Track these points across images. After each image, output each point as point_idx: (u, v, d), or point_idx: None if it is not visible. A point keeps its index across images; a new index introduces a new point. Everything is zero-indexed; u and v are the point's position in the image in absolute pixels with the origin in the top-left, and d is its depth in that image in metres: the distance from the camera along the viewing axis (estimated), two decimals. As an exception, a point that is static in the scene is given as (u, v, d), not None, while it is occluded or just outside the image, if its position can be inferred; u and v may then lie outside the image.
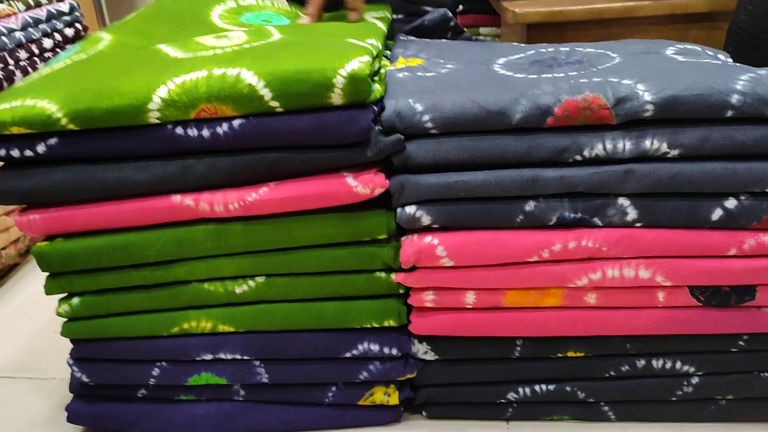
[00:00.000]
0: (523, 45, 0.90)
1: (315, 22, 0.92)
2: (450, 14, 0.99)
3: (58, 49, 1.40)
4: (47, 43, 1.36)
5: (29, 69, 1.31)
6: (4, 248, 1.16)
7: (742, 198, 0.67)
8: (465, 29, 1.00)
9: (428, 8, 1.72)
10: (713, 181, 0.67)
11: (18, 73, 1.27)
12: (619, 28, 1.13)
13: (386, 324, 0.75)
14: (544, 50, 0.84)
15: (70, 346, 0.80)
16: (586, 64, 0.76)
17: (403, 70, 0.77)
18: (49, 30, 1.37)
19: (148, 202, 0.71)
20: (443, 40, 0.94)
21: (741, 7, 1.01)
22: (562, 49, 0.84)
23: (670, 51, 0.79)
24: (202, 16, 0.91)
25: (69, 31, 1.43)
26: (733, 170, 0.66)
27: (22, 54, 1.29)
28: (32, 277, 1.22)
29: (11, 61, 1.27)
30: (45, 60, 1.36)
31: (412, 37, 0.95)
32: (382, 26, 0.89)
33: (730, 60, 0.80)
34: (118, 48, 0.78)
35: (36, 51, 1.33)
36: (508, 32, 1.27)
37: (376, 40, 0.79)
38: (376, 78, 0.75)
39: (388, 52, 0.90)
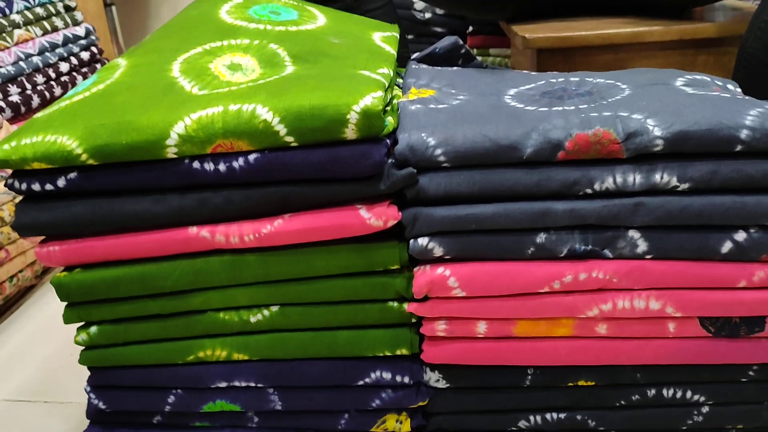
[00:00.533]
0: (533, 74, 0.91)
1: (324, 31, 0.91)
2: (461, 42, 1.00)
3: (74, 73, 1.43)
4: (63, 67, 1.39)
5: (46, 93, 1.33)
6: (20, 271, 1.18)
7: (752, 231, 0.68)
8: (475, 55, 1.01)
9: (438, 29, 1.74)
10: (722, 214, 0.67)
11: (35, 97, 1.30)
12: (628, 53, 1.14)
13: (399, 353, 0.76)
14: (554, 80, 0.85)
15: (87, 370, 0.81)
16: (596, 96, 0.77)
17: (415, 102, 0.79)
18: (65, 54, 1.39)
19: (165, 234, 0.73)
20: (455, 68, 0.95)
21: (751, 32, 1.01)
22: (572, 79, 0.85)
23: (679, 82, 0.80)
24: (210, 15, 0.90)
25: (85, 55, 1.45)
26: (742, 203, 0.67)
27: (39, 78, 1.32)
28: (48, 299, 1.24)
29: (29, 86, 1.29)
30: (61, 84, 1.38)
31: (424, 65, 0.97)
32: (392, 51, 0.90)
33: (739, 90, 0.81)
34: (133, 74, 0.79)
35: (53, 75, 1.36)
36: (518, 56, 1.28)
37: (387, 68, 0.80)
38: (388, 108, 0.76)
39: (400, 81, 0.91)
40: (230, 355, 0.78)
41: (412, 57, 0.99)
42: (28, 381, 1.01)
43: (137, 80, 0.77)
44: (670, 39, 1.12)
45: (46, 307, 1.21)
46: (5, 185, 0.74)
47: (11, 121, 1.26)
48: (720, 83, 0.82)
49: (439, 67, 0.95)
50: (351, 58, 0.81)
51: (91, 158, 0.70)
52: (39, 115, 0.75)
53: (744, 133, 0.65)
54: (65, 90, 1.39)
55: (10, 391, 0.99)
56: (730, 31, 1.11)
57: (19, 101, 1.26)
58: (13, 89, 1.26)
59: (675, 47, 1.13)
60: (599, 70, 0.91)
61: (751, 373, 0.74)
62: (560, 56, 1.15)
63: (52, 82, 1.35)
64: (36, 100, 1.30)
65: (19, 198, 0.73)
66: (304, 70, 0.79)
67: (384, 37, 0.93)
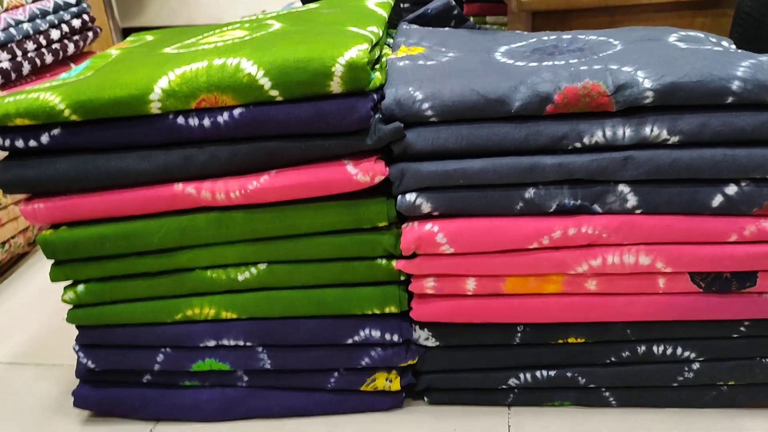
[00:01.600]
0: (526, 33, 0.90)
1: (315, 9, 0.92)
2: (453, 2, 0.98)
3: (65, 40, 1.41)
4: (54, 34, 1.37)
5: (37, 60, 1.32)
6: (12, 237, 1.18)
7: (743, 184, 0.67)
8: (470, 18, 1.00)
9: (435, -4, 1.71)
10: (713, 167, 0.66)
11: (26, 64, 1.28)
12: (625, 15, 1.12)
13: (387, 310, 0.76)
14: (546, 38, 0.84)
15: (78, 332, 0.81)
16: (588, 52, 0.76)
17: (404, 59, 0.78)
18: (56, 21, 1.38)
19: (151, 190, 0.72)
20: (446, 29, 0.94)
21: (746, -8, 1.00)
22: (564, 36, 0.83)
23: (672, 38, 0.78)
24: (210, 27, 0.92)
25: (76, 23, 1.43)
26: (732, 156, 0.66)
27: (30, 45, 1.30)
28: (41, 266, 1.23)
29: (19, 53, 1.28)
30: (52, 51, 1.37)
31: (415, 26, 0.95)
32: (383, 13, 0.89)
33: (733, 46, 0.80)
34: (125, 56, 0.80)
35: (43, 42, 1.34)
36: (514, 20, 1.27)
37: (377, 27, 0.79)
38: (377, 66, 0.75)
39: (391, 40, 0.90)
40: (218, 313, 0.77)
41: (403, 19, 0.98)
42: (19, 344, 1.01)
43: (128, 57, 0.77)
44: (667, 0, 1.10)
45: (39, 273, 1.21)
46: (-11, 142, 0.73)
47: (2, 87, 1.25)
48: (714, 39, 0.81)
49: (431, 28, 0.94)
50: (340, 20, 0.80)
51: (74, 114, 0.69)
52: (29, 88, 0.75)
53: (735, 85, 0.64)
54: (56, 57, 1.37)
55: (1, 354, 0.99)
56: (726, -9, 1.10)
57: (9, 68, 1.25)
58: (3, 56, 1.24)
59: (672, 9, 1.12)
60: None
61: (742, 329, 0.74)
62: (555, 19, 1.13)
63: (43, 50, 1.34)
64: (27, 67, 1.29)
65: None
66: (291, 27, 0.78)
67: (378, 2, 0.92)
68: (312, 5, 0.94)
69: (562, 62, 0.73)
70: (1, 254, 1.16)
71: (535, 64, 0.73)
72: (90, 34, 1.50)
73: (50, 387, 0.91)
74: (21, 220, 1.19)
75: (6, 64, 1.25)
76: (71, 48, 1.42)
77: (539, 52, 0.78)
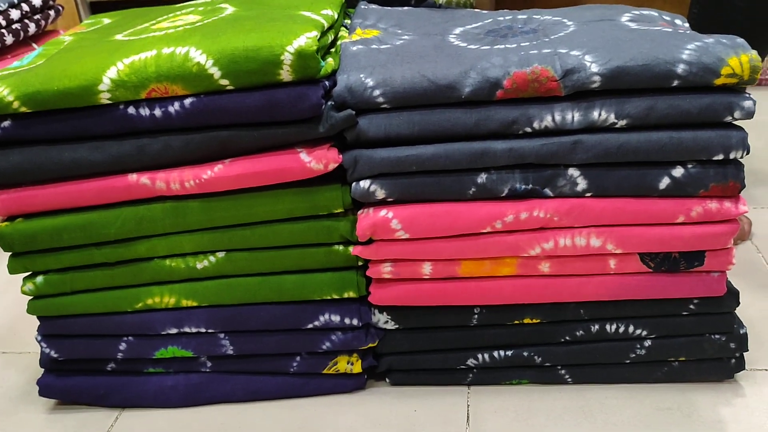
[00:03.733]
0: (483, 12, 0.90)
1: None
2: (413, -20, 0.98)
3: (26, 20, 1.39)
4: (14, 14, 1.35)
5: (-4, 42, 1.29)
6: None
7: (689, 166, 0.68)
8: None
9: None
10: (659, 150, 0.67)
11: (-14, 46, 1.26)
12: (587, -9, 1.12)
13: (346, 295, 0.77)
14: (501, 18, 0.84)
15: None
16: (540, 34, 0.76)
17: (357, 43, 0.77)
18: (15, 1, 1.35)
19: (106, 181, 0.72)
20: (404, 8, 0.93)
21: (705, -33, 1.00)
22: (519, 17, 0.83)
23: (625, 18, 0.79)
24: (166, 9, 0.90)
25: (36, 1, 1.41)
26: (678, 139, 0.67)
27: (-11, 26, 1.28)
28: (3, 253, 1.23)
29: (-22, 34, 1.26)
30: (13, 32, 1.35)
31: (374, 6, 0.95)
32: (340, -5, 0.88)
33: (686, 25, 0.81)
34: (77, 43, 0.79)
35: (3, 23, 1.32)
36: (477, -4, 1.26)
37: (331, 10, 0.79)
38: (331, 50, 0.75)
39: (348, 21, 0.90)
40: (179, 301, 0.78)
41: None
42: (-14, 333, 1.01)
43: (79, 45, 0.77)
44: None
45: (2, 260, 1.20)
46: (-61, 135, 0.73)
47: (-40, 71, 1.23)
48: (668, 18, 0.81)
49: (389, 7, 0.94)
50: (294, 4, 0.79)
51: (23, 106, 0.68)
52: None
53: (680, 68, 0.65)
54: (17, 38, 1.35)
55: (-33, 342, 0.99)
56: (688, -34, 1.10)
57: (-32, 50, 1.23)
58: (-39, 38, 1.23)
59: (633, -16, 1.12)
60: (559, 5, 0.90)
61: (691, 306, 0.76)
62: (518, -5, 1.13)
63: (3, 30, 1.31)
64: (-13, 49, 1.27)
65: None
66: (243, 12, 0.77)
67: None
68: None
69: (514, 45, 0.73)
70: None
71: (487, 47, 0.74)
72: (52, 12, 1.47)
73: (17, 376, 0.91)
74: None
75: (-36, 47, 1.23)
76: (32, 28, 1.40)
77: (493, 34, 0.78)
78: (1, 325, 1.02)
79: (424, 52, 0.74)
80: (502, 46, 0.73)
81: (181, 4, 0.92)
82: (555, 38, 0.73)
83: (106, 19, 0.95)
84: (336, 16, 0.80)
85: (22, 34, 1.37)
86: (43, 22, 1.44)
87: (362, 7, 0.93)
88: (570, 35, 0.74)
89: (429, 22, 0.87)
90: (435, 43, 0.77)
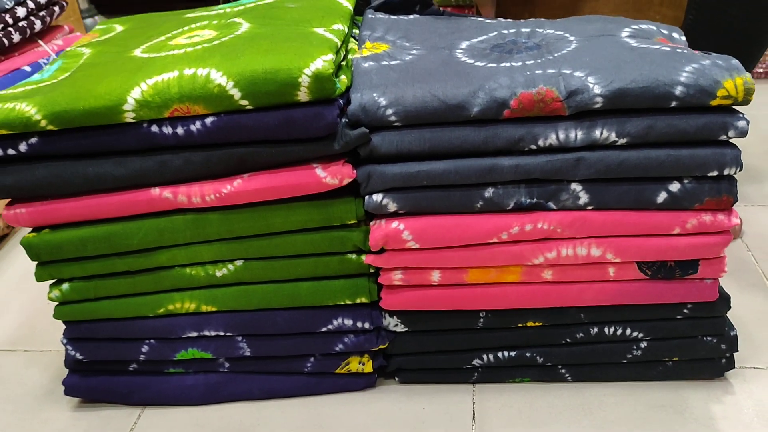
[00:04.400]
0: (488, 23, 0.93)
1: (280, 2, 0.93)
2: (418, -12, 1.00)
3: (32, 17, 1.40)
4: (21, 11, 1.36)
5: (5, 40, 1.31)
6: (-8, 222, 1.20)
7: (685, 181, 0.72)
8: (433, 2, 1.02)
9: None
10: (658, 167, 0.71)
11: (-6, 45, 1.28)
12: (586, -6, 1.15)
13: (358, 301, 0.81)
14: (506, 31, 0.87)
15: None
16: (544, 50, 0.79)
17: (368, 59, 0.80)
18: (21, -1, 1.37)
19: (129, 195, 0.75)
20: (411, 17, 0.96)
21: (702, -26, 1.03)
22: (523, 30, 0.86)
23: (624, 33, 0.82)
24: (175, 16, 0.93)
25: (42, -2, 1.42)
26: (676, 156, 0.71)
27: (-4, 25, 1.30)
28: (21, 249, 1.26)
29: (-15, 33, 1.27)
30: (20, 30, 1.36)
31: (381, 14, 0.97)
32: (348, 5, 0.91)
33: (683, 39, 0.84)
34: (97, 57, 0.82)
35: (10, 21, 1.33)
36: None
37: (342, 24, 0.82)
38: (343, 64, 0.78)
39: (356, 31, 0.92)
40: (199, 307, 0.82)
41: (369, 6, 1.00)
42: (7, 330, 1.04)
43: (99, 60, 0.79)
44: (627, -21, 1.13)
45: (21, 255, 1.24)
46: (-32, 151, 0.75)
47: (-29, 71, 1.25)
48: (665, 31, 0.85)
49: (396, 17, 0.96)
50: (306, 18, 0.82)
51: (50, 124, 0.71)
52: (3, 92, 0.77)
53: (679, 90, 0.69)
54: (23, 35, 1.37)
55: (-10, 341, 1.03)
56: (685, -30, 1.13)
57: (-23, 49, 1.25)
58: (-29, 38, 1.24)
59: (631, -13, 1.15)
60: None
61: (685, 311, 0.80)
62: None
63: (10, 29, 1.33)
64: (-5, 48, 1.29)
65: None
66: (258, 29, 0.80)
67: (343, -7, 0.94)
68: None
69: (519, 63, 0.76)
70: (-19, 239, 1.18)
71: (493, 65, 0.77)
72: (56, 8, 1.48)
73: (40, 374, 0.95)
74: (1, 204, 1.21)
75: (-26, 48, 1.24)
76: (38, 24, 1.41)
77: (498, 49, 0.81)
78: (21, 324, 1.06)
79: (433, 69, 0.77)
80: (508, 64, 0.76)
81: (193, 14, 0.95)
82: (559, 56, 0.77)
83: (118, 26, 0.97)
84: (346, 30, 0.83)
85: (28, 31, 1.38)
86: (48, 19, 1.45)
87: (369, 16, 0.96)
88: (573, 53, 0.77)
89: (435, 33, 0.90)
90: (443, 59, 0.80)
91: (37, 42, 1.43)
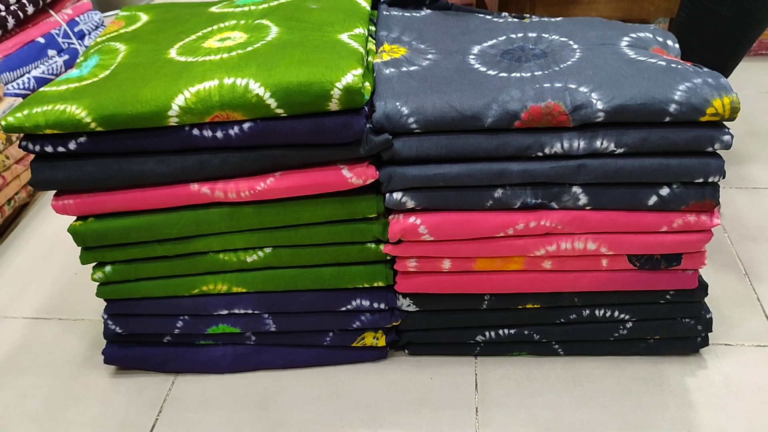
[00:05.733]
0: (495, 22, 0.98)
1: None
2: (429, -17, 1.06)
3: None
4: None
5: (20, 13, 1.35)
6: (16, 193, 1.26)
7: (674, 187, 0.81)
8: (442, -4, 1.07)
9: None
10: (650, 174, 0.80)
11: (10, 18, 1.31)
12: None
13: (376, 285, 0.90)
14: (514, 36, 0.93)
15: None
16: (550, 60, 0.86)
17: (389, 65, 0.87)
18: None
19: (170, 189, 0.82)
20: (423, 14, 1.02)
21: (695, -25, 1.09)
22: (530, 35, 0.93)
23: (624, 42, 0.89)
24: (201, 11, 0.98)
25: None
26: (667, 164, 0.79)
27: (11, -2, 1.33)
28: (42, 217, 1.32)
29: (2, 7, 1.31)
30: (33, 1, 1.39)
31: (394, 10, 1.03)
32: (365, 4, 0.97)
33: (677, 47, 0.91)
34: (134, 56, 0.86)
35: (23, -6, 1.36)
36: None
37: (362, 28, 0.88)
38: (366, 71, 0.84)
39: (372, 29, 0.98)
40: (230, 288, 0.90)
41: (382, 1, 1.05)
42: (41, 299, 1.12)
43: (137, 61, 0.84)
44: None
45: (43, 225, 1.30)
46: (19, 146, 0.82)
47: (-11, 45, 1.29)
48: (661, 39, 0.92)
49: (408, 14, 1.02)
50: (329, 21, 0.88)
51: (99, 126, 0.78)
52: (46, 89, 0.82)
53: (673, 107, 0.76)
54: (36, 6, 1.40)
55: (27, 309, 1.10)
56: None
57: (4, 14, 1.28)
58: (-12, 12, 1.28)
59: (628, -21, 1.21)
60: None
61: (668, 296, 0.90)
62: (522, -13, 1.21)
63: (24, 1, 1.36)
64: (11, 22, 1.32)
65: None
66: (287, 34, 0.86)
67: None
68: None
69: (528, 74, 0.83)
70: (7, 210, 1.24)
71: (504, 74, 0.84)
72: (64, -24, 1.51)
73: (77, 342, 1.03)
74: (23, 177, 1.27)
75: (-8, 22, 1.28)
76: (49, -6, 1.44)
77: (508, 56, 0.88)
78: (52, 295, 1.13)
79: (449, 77, 0.84)
80: (518, 75, 0.83)
81: (217, 8, 0.99)
82: (564, 67, 0.84)
83: (142, 15, 1.02)
84: (366, 34, 0.89)
85: (40, 2, 1.41)
86: (58, -13, 1.48)
87: (384, 13, 1.02)
88: (577, 64, 0.84)
89: (447, 34, 0.96)
90: (457, 66, 0.87)
91: (48, 12, 1.46)
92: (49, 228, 1.29)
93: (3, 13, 1.31)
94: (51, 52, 1.41)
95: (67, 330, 1.06)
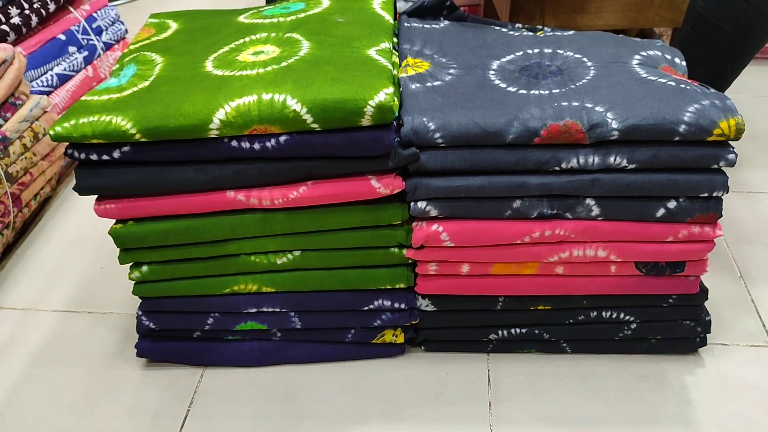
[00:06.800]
0: (510, 35, 1.03)
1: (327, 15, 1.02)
2: (446, -5, 1.11)
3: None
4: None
5: (42, 11, 1.37)
6: (42, 188, 1.30)
7: (681, 200, 0.87)
8: (458, 7, 1.12)
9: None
10: (659, 188, 0.85)
11: (33, 16, 1.34)
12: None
13: (398, 286, 0.95)
14: (530, 51, 0.98)
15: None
16: (566, 78, 0.91)
17: (414, 80, 0.92)
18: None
19: (207, 196, 0.87)
20: (442, 27, 1.06)
21: (700, -8, 1.15)
22: (546, 51, 0.98)
23: (635, 61, 0.94)
24: (230, 21, 1.02)
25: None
26: (675, 180, 0.85)
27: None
28: (66, 209, 1.37)
29: (26, 5, 1.34)
30: (35, 12, 1.41)
31: (415, 22, 1.07)
32: (389, 18, 1.01)
33: (683, 63, 0.96)
34: (171, 69, 0.91)
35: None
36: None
37: (387, 42, 0.93)
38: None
39: (395, 41, 1.02)
40: (260, 288, 0.95)
41: (402, 12, 1.10)
42: (70, 293, 1.17)
43: (176, 74, 0.89)
44: (631, -16, 1.24)
45: (66, 218, 1.34)
46: (65, 154, 0.86)
47: (14, 43, 1.32)
48: (669, 56, 0.97)
49: (428, 26, 1.07)
50: (356, 36, 0.93)
51: (143, 137, 0.82)
52: (88, 98, 0.86)
53: (682, 128, 0.82)
54: (58, 4, 1.43)
55: (56, 302, 1.15)
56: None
57: (20, 22, 1.31)
58: (13, 11, 1.30)
59: (635, -9, 1.26)
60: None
61: (671, 300, 0.96)
62: (533, -4, 1.26)
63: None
64: (35, 20, 1.35)
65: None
66: (318, 50, 0.90)
67: (383, 3, 1.04)
68: (323, 4, 1.04)
69: (546, 92, 0.88)
70: (34, 204, 1.28)
71: (524, 91, 0.89)
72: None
73: (107, 335, 1.08)
74: (48, 172, 1.31)
75: (17, 20, 1.31)
76: (68, -9, 1.47)
77: (526, 73, 0.93)
78: (80, 288, 1.18)
79: (472, 93, 0.89)
80: (537, 92, 0.88)
81: (245, 17, 1.03)
82: (580, 86, 0.89)
83: (172, 23, 1.06)
84: (391, 47, 0.93)
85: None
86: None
87: (405, 25, 1.06)
88: (592, 83, 0.89)
89: (466, 47, 1.01)
90: (478, 81, 0.92)
91: (67, 9, 1.49)
92: (73, 221, 1.34)
93: (27, 11, 1.34)
94: (71, 49, 1.44)
95: (96, 323, 1.11)
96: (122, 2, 2.20)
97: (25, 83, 1.24)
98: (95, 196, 0.89)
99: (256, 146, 0.83)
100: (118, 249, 0.92)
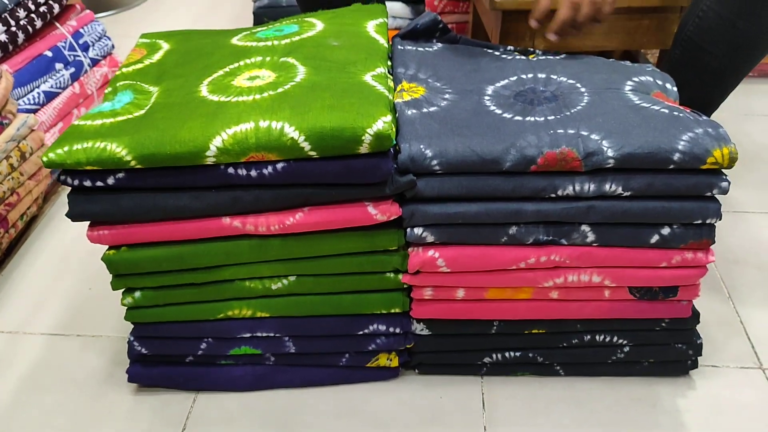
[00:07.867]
0: (504, 61, 1.04)
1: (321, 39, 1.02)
2: (439, 18, 1.11)
3: (50, 1, 1.44)
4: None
5: (29, 27, 1.36)
6: (28, 208, 1.29)
7: (674, 227, 0.87)
8: (451, 29, 1.13)
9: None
10: (654, 215, 0.86)
11: (20, 33, 1.33)
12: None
13: (393, 311, 0.95)
14: (524, 76, 0.99)
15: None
16: (561, 104, 0.92)
17: (410, 106, 0.92)
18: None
19: (202, 223, 0.87)
20: (435, 50, 1.07)
21: (690, 16, 1.16)
22: (540, 76, 0.98)
23: (627, 87, 0.95)
24: (223, 42, 1.02)
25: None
26: (669, 208, 0.86)
27: (21, 12, 1.34)
28: (52, 228, 1.35)
29: (12, 22, 1.32)
30: (41, 15, 1.40)
31: (408, 44, 1.08)
32: (384, 42, 1.01)
33: (674, 89, 0.98)
34: (167, 96, 0.90)
35: (32, 6, 1.38)
36: (484, 14, 1.39)
37: (382, 67, 0.93)
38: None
39: (389, 65, 1.03)
40: (254, 313, 0.94)
41: (395, 35, 1.10)
42: (57, 315, 1.15)
43: (171, 100, 0.88)
44: (620, 6, 1.24)
45: (53, 238, 1.32)
46: (58, 180, 0.85)
47: (1, 61, 1.30)
48: (660, 82, 0.98)
49: (422, 48, 1.07)
50: (351, 60, 0.93)
51: (138, 164, 0.81)
52: (81, 123, 0.86)
53: (676, 156, 0.83)
54: (44, 20, 1.41)
55: (44, 325, 1.13)
56: (670, 1, 1.25)
57: (6, 40, 1.29)
58: (0, 28, 1.29)
59: (625, 12, 1.26)
60: None
61: (663, 324, 0.97)
62: (524, 18, 1.26)
63: (32, 15, 1.37)
64: (21, 37, 1.33)
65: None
66: (314, 75, 0.90)
67: (377, 26, 1.04)
68: (317, 27, 1.04)
69: (542, 119, 0.89)
70: (20, 224, 1.27)
71: (519, 118, 0.89)
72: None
73: (96, 358, 1.07)
74: (34, 192, 1.29)
75: (3, 37, 1.30)
76: (56, 8, 1.46)
77: (521, 99, 0.94)
78: (69, 309, 1.16)
79: (467, 119, 0.89)
80: (532, 119, 0.89)
81: (238, 39, 1.03)
82: (575, 113, 0.89)
83: (163, 44, 1.05)
84: (386, 72, 0.94)
85: (48, 15, 1.43)
86: (64, 0, 1.49)
87: (399, 48, 1.07)
88: (587, 110, 0.89)
89: (460, 71, 1.01)
90: (474, 108, 0.92)
91: (54, 24, 1.47)
92: (59, 241, 1.32)
93: (13, 29, 1.32)
94: (58, 66, 1.43)
95: (86, 346, 1.09)
96: (106, 14, 2.18)
97: (12, 102, 1.22)
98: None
99: (253, 173, 0.83)
100: (111, 274, 0.91)
